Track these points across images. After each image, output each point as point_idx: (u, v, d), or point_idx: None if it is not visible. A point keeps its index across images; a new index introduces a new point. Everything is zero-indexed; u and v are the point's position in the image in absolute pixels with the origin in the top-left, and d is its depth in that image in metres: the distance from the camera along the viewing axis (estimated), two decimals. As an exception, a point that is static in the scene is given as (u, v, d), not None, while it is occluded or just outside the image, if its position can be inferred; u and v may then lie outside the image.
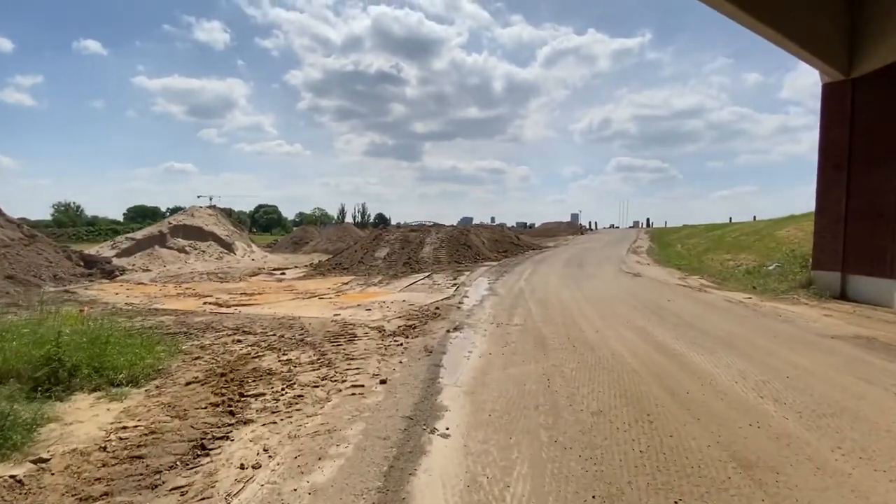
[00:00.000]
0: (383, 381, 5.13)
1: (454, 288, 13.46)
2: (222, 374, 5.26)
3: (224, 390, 4.79)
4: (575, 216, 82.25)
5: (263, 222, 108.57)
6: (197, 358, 6.16)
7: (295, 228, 62.06)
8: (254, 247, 36.69)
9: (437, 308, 9.99)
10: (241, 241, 35.29)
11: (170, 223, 30.54)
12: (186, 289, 16.53)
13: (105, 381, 4.91)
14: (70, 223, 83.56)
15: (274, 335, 7.84)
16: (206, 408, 4.29)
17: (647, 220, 76.96)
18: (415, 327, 8.11)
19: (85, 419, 4.04)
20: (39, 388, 4.42)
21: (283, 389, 4.94)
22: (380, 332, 7.87)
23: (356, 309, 10.36)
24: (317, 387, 5.06)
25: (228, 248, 32.41)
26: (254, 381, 5.23)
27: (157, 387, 4.96)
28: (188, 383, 5.00)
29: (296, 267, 25.05)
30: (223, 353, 6.56)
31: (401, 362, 5.95)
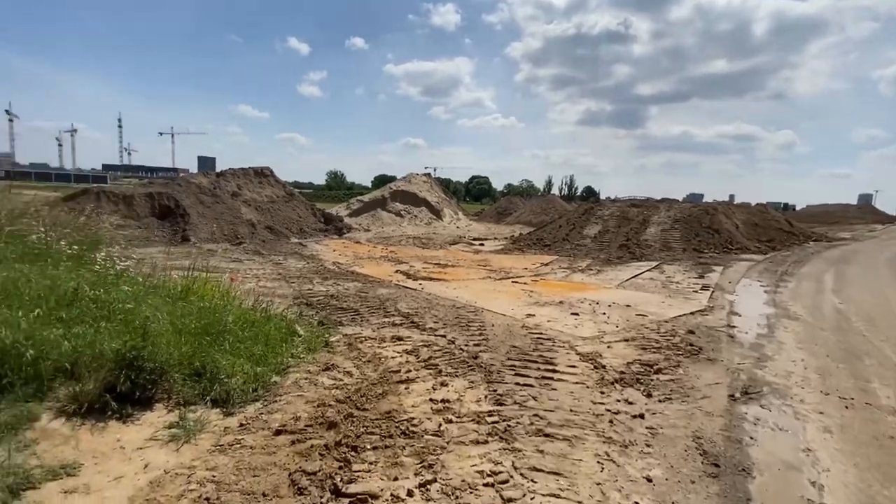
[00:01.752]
0: (617, 560, 2.15)
1: (706, 293, 9.05)
2: (332, 425, 3.20)
3: (315, 469, 2.67)
4: (866, 197, 57.70)
5: (475, 192, 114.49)
6: (329, 367, 4.39)
7: (501, 199, 62.12)
8: (460, 214, 37.39)
9: (691, 332, 6.19)
10: (449, 208, 36.31)
11: (391, 188, 33.27)
12: (390, 252, 16.62)
13: (198, 393, 3.46)
14: (336, 187, 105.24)
15: (444, 338, 5.69)
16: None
17: None
18: (659, 369, 4.72)
19: (99, 484, 2.44)
20: (113, 393, 3.14)
21: (409, 495, 2.54)
22: (595, 366, 4.80)
23: (557, 309, 7.46)
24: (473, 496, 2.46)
25: (437, 214, 33.59)
26: (374, 448, 3.00)
27: (241, 424, 3.22)
28: (278, 432, 3.09)
29: (495, 238, 23.57)
30: (368, 362, 4.68)
31: (649, 479, 2.81)
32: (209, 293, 4.83)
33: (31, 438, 2.59)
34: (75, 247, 4.72)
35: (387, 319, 6.62)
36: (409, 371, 4.49)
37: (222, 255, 14.00)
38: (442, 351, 5.16)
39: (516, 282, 10.24)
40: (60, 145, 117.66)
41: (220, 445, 2.91)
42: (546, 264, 13.63)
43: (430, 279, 10.63)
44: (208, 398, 3.43)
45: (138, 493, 2.39)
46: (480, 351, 5.21)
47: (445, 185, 54.16)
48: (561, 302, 8.00)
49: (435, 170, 58.84)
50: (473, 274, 11.63)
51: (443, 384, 4.22)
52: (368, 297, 8.32)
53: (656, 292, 9.19)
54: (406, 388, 4.06)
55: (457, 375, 4.46)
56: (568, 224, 21.16)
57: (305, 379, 4.03)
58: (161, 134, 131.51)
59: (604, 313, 7.26)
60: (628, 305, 7.83)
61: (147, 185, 21.03)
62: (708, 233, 17.93)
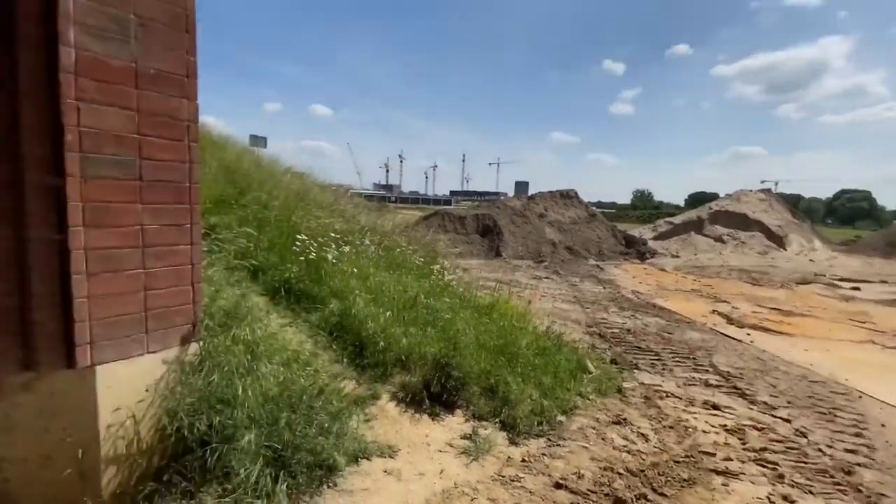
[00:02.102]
0: None
1: None
2: (620, 503, 2.66)
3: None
4: None
5: (844, 212, 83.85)
6: (621, 422, 3.81)
7: (895, 221, 42.42)
8: (816, 242, 27.81)
9: None
10: (797, 234, 27.65)
11: (710, 208, 28.29)
12: (704, 285, 14.03)
13: (489, 410, 3.64)
14: (641, 207, 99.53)
15: (787, 423, 4.09)
16: None
17: None
18: None
19: (408, 474, 2.81)
20: (427, 391, 3.70)
21: None
22: None
23: None
24: None
25: (778, 241, 26.13)
26: (673, 559, 2.30)
27: (523, 459, 3.12)
28: (558, 485, 2.81)
29: (883, 282, 16.11)
30: (670, 428, 3.82)
31: None
32: (510, 312, 5.14)
33: (373, 414, 3.30)
34: (421, 259, 6.02)
35: (697, 375, 5.38)
36: (730, 460, 3.37)
37: (525, 270, 15.30)
38: (784, 444, 3.68)
39: (934, 359, 6.50)
40: (427, 177, 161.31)
41: (502, 476, 2.89)
42: None
43: (764, 329, 8.16)
44: (498, 419, 3.54)
45: (432, 498, 2.62)
46: (857, 463, 3.42)
47: (793, 203, 41.61)
48: None
49: (776, 184, 46.41)
50: (840, 332, 8.21)
51: (786, 498, 2.93)
52: (673, 339, 7.09)
53: None
54: (724, 485, 3.03)
55: (811, 492, 3.03)
56: None
57: (593, 429, 3.63)
58: (490, 164, 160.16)
59: None
60: None
61: (476, 207, 25.50)
62: None
